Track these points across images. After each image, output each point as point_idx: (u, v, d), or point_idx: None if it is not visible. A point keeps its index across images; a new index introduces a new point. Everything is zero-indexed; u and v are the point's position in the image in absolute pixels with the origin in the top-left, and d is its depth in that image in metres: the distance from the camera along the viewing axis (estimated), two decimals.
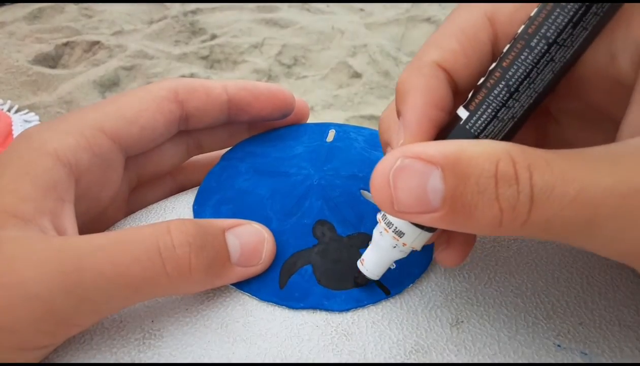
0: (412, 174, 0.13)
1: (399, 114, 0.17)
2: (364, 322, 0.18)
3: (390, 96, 0.82)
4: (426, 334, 0.18)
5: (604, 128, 0.17)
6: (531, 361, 0.17)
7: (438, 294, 0.19)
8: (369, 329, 0.18)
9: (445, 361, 0.17)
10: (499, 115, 0.15)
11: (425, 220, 0.14)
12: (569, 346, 0.17)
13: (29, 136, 0.20)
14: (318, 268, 0.20)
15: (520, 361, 0.17)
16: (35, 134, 0.20)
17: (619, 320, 0.18)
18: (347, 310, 0.19)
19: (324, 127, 0.26)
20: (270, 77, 0.84)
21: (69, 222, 0.19)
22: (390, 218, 0.17)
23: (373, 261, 0.18)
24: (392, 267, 0.19)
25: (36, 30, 0.91)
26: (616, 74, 0.15)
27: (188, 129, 0.24)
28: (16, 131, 0.62)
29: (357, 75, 0.88)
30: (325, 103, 0.81)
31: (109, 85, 0.79)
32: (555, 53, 0.14)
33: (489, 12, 0.17)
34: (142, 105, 0.22)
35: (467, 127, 0.15)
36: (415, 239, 0.17)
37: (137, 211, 0.24)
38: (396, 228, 0.17)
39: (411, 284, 0.19)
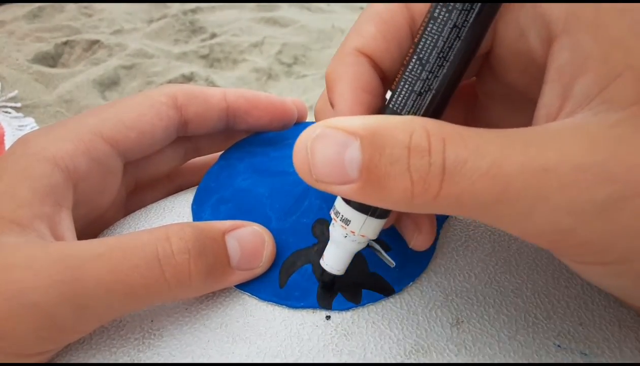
0: (331, 142, 0.13)
1: (331, 104, 0.17)
2: (364, 322, 0.18)
3: None
4: (426, 334, 0.18)
5: (527, 110, 0.18)
6: (531, 361, 0.17)
7: (438, 294, 0.19)
8: (369, 329, 0.18)
9: (445, 361, 0.17)
10: (415, 89, 0.15)
11: (343, 191, 0.14)
12: (569, 346, 0.17)
13: (27, 141, 0.20)
14: (318, 267, 0.20)
15: (520, 361, 0.17)
16: (33, 140, 0.19)
17: (619, 321, 0.18)
18: (347, 309, 0.18)
19: None
20: (270, 76, 0.84)
21: (67, 227, 0.19)
22: (337, 207, 0.17)
23: (331, 256, 0.18)
24: (392, 266, 0.19)
25: (36, 29, 0.91)
26: (527, 51, 0.15)
27: (187, 134, 0.24)
28: (8, 140, 0.60)
29: None
30: None
31: (108, 84, 0.79)
32: (457, 18, 0.15)
33: None
34: (141, 110, 0.22)
35: (391, 106, 0.16)
36: (362, 226, 0.16)
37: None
38: (342, 216, 0.17)
39: (411, 284, 0.19)
